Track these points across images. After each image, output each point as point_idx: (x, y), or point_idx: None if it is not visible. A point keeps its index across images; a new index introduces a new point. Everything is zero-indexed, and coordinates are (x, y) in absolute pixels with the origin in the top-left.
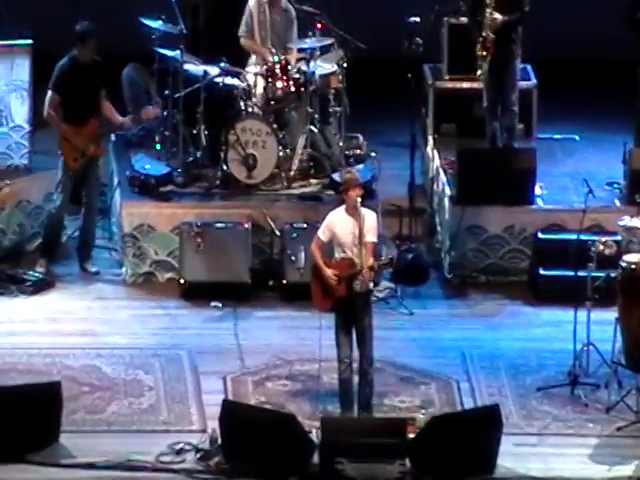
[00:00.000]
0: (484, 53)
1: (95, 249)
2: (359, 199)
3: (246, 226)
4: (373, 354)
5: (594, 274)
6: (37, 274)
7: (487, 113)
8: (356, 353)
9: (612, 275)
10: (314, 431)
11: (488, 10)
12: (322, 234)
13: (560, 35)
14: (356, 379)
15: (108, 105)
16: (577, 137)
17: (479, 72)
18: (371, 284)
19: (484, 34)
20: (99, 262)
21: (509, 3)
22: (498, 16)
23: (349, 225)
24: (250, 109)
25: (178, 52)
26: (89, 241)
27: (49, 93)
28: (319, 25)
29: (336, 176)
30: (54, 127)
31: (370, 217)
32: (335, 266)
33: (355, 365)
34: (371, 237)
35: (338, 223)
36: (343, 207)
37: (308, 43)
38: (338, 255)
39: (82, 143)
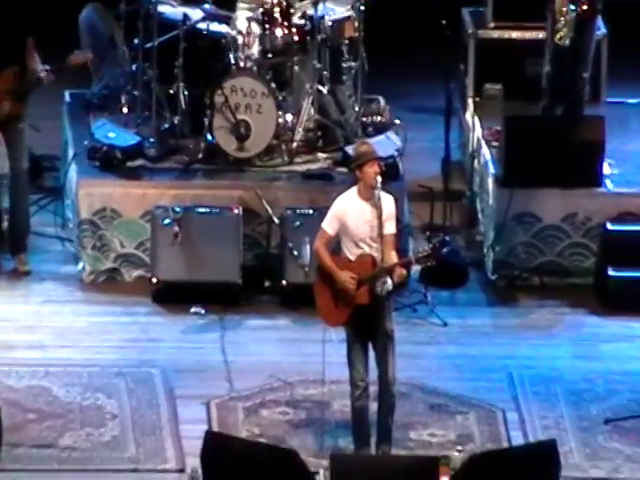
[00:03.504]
0: (574, 11)
1: (43, 238)
2: (379, 178)
3: (236, 212)
4: (396, 374)
5: None
6: None
7: (549, 81)
8: (374, 374)
9: None
10: (321, 472)
11: None
12: (329, 226)
13: None
14: (374, 406)
15: (33, 54)
16: None
17: (561, 33)
18: (390, 285)
19: None
20: (49, 256)
21: None
22: None
23: (365, 212)
24: (242, 63)
25: None
26: (20, 227)
27: None
28: None
29: (350, 149)
30: None
31: (388, 202)
32: (352, 266)
33: (373, 389)
34: (390, 227)
35: (350, 211)
36: (354, 190)
37: None
38: (348, 251)
39: None
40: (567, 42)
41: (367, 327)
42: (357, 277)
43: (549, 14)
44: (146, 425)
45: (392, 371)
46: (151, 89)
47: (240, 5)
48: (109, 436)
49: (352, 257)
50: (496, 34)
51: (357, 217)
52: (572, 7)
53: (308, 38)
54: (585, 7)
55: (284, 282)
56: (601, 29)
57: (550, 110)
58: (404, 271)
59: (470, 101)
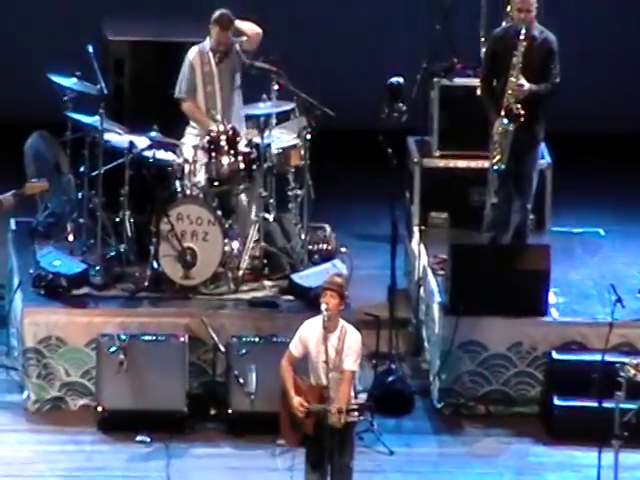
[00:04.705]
0: (509, 127)
1: None
2: (325, 308)
3: (182, 339)
4: None
5: (623, 406)
6: None
7: (495, 212)
8: None
9: None
10: None
11: (514, 73)
12: (293, 347)
13: (581, 104)
14: None
15: None
16: (601, 231)
17: (497, 156)
18: (355, 416)
19: (506, 104)
20: None
21: (537, 71)
22: (525, 83)
23: (325, 342)
24: (188, 191)
25: (97, 118)
26: None
27: None
28: (277, 86)
29: (297, 277)
30: None
31: (352, 337)
32: (307, 393)
33: None
34: (350, 364)
35: (312, 337)
36: (321, 317)
37: (262, 108)
38: (311, 375)
39: None
40: (503, 166)
41: (323, 453)
42: (307, 406)
43: (492, 143)
44: None
45: None
46: (97, 217)
47: (189, 130)
48: None
49: (313, 382)
50: (441, 163)
51: (317, 345)
52: (505, 121)
53: (254, 166)
54: (522, 116)
55: (230, 410)
56: (545, 158)
57: (497, 241)
58: (334, 419)
59: (416, 229)
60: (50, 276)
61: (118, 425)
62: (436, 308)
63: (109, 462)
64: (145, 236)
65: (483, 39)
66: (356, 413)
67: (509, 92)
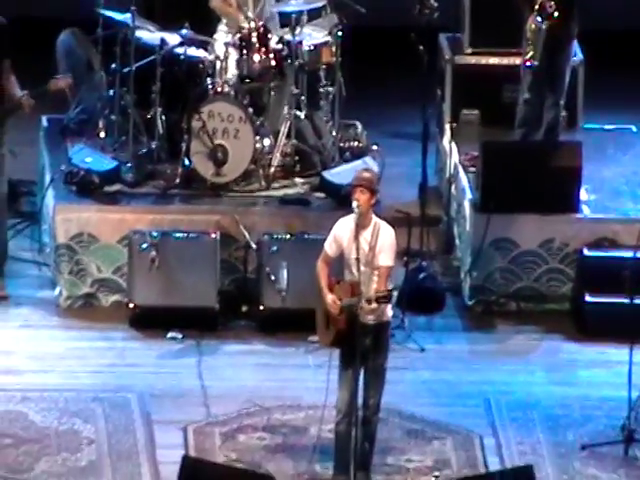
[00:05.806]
0: (543, 25)
1: (19, 263)
2: (356, 204)
3: (213, 236)
4: (380, 402)
5: None
6: None
7: (528, 107)
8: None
9: None
10: None
11: None
12: (328, 247)
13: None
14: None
15: (10, 77)
16: (634, 128)
17: (530, 53)
18: (389, 314)
19: (539, 0)
20: (25, 281)
21: None
22: None
23: (358, 238)
24: (219, 88)
25: (128, 15)
26: None
27: None
28: None
29: (328, 174)
30: None
31: (386, 233)
32: (339, 289)
33: (360, 414)
34: (385, 260)
35: (345, 234)
36: (354, 215)
37: (293, 5)
38: (345, 273)
39: None
40: (536, 62)
41: (354, 353)
42: (339, 301)
43: (525, 40)
44: (123, 450)
45: (377, 399)
46: (128, 114)
47: (220, 27)
48: (85, 461)
49: (347, 279)
50: (473, 60)
51: (350, 242)
52: (538, 19)
53: (285, 63)
54: (555, 14)
55: (261, 307)
56: (577, 55)
57: (529, 137)
58: (365, 309)
59: (447, 127)
60: (82, 173)
61: (149, 322)
62: (467, 205)
63: (140, 359)
64: (176, 133)
65: None
66: (384, 300)
67: None
